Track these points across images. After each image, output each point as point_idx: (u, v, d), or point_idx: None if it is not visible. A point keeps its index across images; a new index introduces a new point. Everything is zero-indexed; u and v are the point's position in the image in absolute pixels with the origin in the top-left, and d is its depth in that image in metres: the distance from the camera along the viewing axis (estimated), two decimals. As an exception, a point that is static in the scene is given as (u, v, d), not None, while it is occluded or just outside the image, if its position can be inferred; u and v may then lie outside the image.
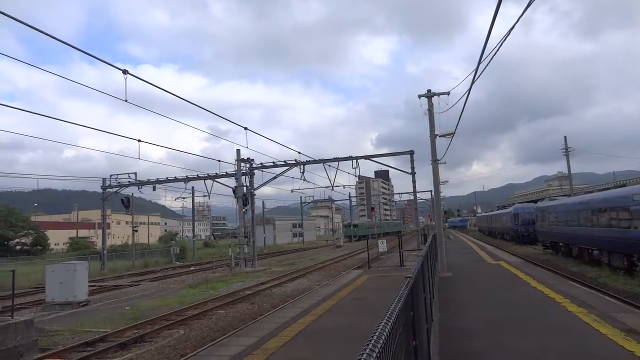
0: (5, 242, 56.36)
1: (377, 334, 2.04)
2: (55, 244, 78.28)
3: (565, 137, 46.00)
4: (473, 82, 12.92)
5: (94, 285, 23.93)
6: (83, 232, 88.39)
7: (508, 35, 9.11)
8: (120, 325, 13.68)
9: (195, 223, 62.11)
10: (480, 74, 11.86)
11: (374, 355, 1.74)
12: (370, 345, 1.83)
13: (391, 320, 2.37)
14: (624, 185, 26.14)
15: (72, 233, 77.92)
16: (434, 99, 20.25)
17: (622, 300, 12.64)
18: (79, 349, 11.17)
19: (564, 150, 45.88)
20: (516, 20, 8.43)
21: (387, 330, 2.16)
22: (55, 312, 16.84)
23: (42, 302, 18.43)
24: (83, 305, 18.00)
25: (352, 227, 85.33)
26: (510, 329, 8.98)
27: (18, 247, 58.72)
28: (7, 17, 10.97)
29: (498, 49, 9.98)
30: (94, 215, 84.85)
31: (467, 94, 15.38)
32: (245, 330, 10.75)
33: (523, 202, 57.14)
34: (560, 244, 26.90)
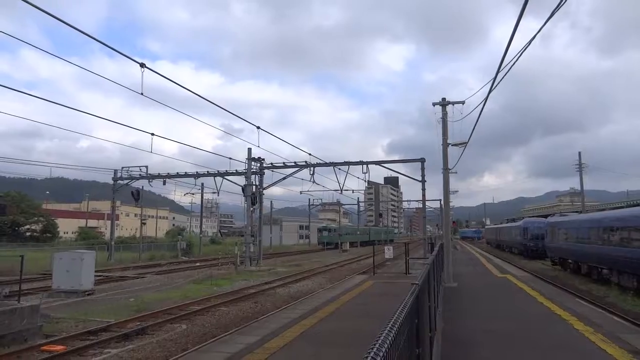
0: (16, 228, 57.15)
1: (380, 339, 2.01)
2: (65, 233, 79.13)
3: (579, 152, 45.55)
4: (490, 91, 12.86)
5: (100, 275, 24.13)
6: (92, 222, 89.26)
7: (527, 46, 9.05)
8: (124, 316, 13.78)
9: (203, 219, 62.43)
10: (498, 84, 11.79)
11: (377, 360, 1.72)
12: (374, 350, 1.80)
13: (396, 327, 2.34)
14: (637, 205, 25.75)
15: (82, 222, 78.75)
16: (448, 108, 20.21)
17: (630, 322, 12.41)
18: (82, 337, 11.28)
19: (578, 166, 45.36)
20: (536, 32, 8.37)
21: (391, 336, 2.13)
22: (61, 299, 16.99)
23: (49, 289, 18.61)
24: (88, 294, 18.13)
25: (324, 233, 72.30)
26: (513, 343, 8.87)
27: (28, 234, 59.48)
28: (32, 6, 11.15)
29: (516, 61, 9.92)
30: (104, 206, 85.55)
31: (483, 102, 15.31)
32: (247, 329, 10.75)
33: (533, 217, 56.55)
34: (570, 260, 26.53)
